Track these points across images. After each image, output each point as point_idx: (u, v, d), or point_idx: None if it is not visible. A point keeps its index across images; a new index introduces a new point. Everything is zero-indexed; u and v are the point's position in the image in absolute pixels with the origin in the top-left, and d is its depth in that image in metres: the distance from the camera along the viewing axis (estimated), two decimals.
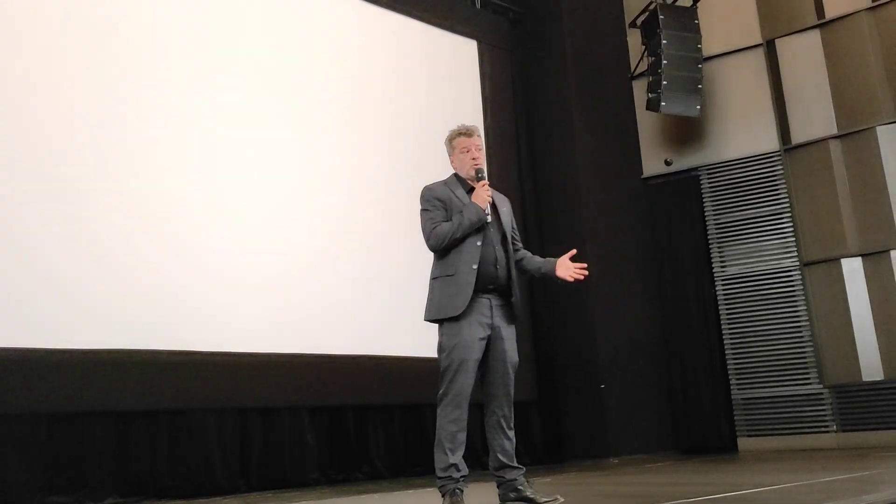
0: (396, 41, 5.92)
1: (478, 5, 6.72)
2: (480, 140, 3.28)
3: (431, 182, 3.29)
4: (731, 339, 6.50)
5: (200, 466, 4.36)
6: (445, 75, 6.24)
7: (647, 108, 6.64)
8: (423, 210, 3.16)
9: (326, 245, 5.10)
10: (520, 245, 3.29)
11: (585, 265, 3.12)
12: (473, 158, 3.18)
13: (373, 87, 5.67)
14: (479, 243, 3.04)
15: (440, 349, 3.04)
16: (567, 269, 3.13)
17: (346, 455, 5.02)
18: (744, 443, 6.34)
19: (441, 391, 2.97)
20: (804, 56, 6.47)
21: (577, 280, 3.13)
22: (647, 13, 6.72)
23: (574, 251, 3.16)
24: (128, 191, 4.29)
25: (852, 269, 6.09)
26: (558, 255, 3.18)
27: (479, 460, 4.79)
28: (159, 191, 4.41)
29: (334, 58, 5.47)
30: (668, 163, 6.94)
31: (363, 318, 5.14)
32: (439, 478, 2.89)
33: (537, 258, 3.24)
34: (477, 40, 6.57)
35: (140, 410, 4.17)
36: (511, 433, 3.00)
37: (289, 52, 5.21)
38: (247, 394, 4.57)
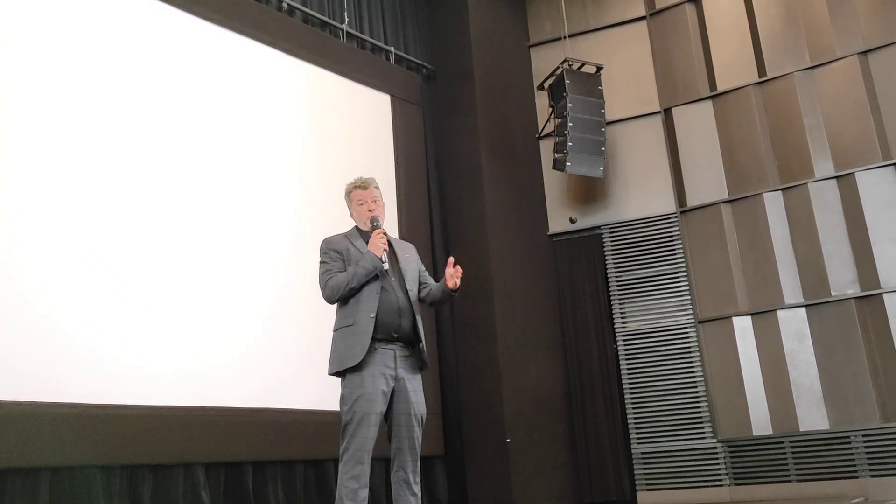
0: (309, 92, 5.92)
1: (392, 60, 6.83)
2: (377, 191, 3.32)
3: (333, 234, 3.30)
4: (632, 393, 6.67)
5: None
6: (359, 127, 6.26)
7: (553, 168, 6.87)
8: (321, 262, 3.18)
9: (228, 294, 4.93)
10: (432, 281, 3.31)
11: (458, 267, 3.17)
12: (370, 210, 3.22)
13: (287, 136, 5.62)
14: (377, 291, 3.04)
15: (342, 402, 2.99)
16: (450, 278, 3.16)
17: None
18: (643, 496, 6.45)
19: (342, 446, 2.91)
20: (698, 125, 6.88)
21: (455, 285, 3.15)
22: (554, 77, 7.00)
23: (451, 259, 3.20)
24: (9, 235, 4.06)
25: (743, 328, 6.39)
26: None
27: None
28: (40, 233, 4.18)
29: (248, 109, 5.39)
30: (572, 220, 7.16)
31: (263, 369, 4.95)
32: None
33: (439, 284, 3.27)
34: (390, 94, 6.65)
35: (18, 467, 3.86)
36: (416, 488, 2.96)
37: (195, 103, 5.09)
38: (136, 449, 4.29)
